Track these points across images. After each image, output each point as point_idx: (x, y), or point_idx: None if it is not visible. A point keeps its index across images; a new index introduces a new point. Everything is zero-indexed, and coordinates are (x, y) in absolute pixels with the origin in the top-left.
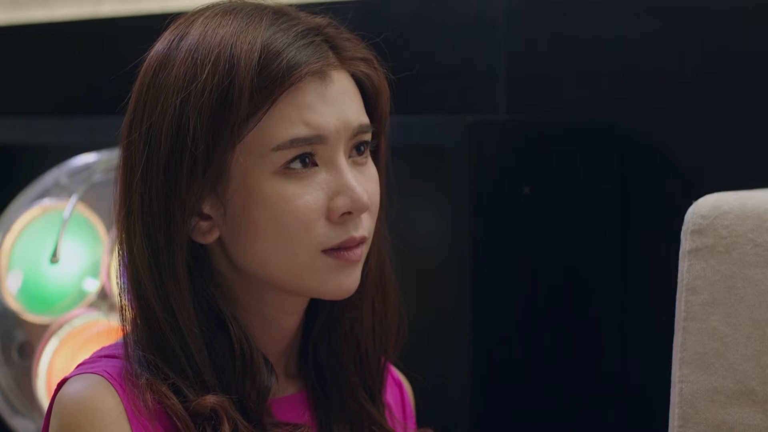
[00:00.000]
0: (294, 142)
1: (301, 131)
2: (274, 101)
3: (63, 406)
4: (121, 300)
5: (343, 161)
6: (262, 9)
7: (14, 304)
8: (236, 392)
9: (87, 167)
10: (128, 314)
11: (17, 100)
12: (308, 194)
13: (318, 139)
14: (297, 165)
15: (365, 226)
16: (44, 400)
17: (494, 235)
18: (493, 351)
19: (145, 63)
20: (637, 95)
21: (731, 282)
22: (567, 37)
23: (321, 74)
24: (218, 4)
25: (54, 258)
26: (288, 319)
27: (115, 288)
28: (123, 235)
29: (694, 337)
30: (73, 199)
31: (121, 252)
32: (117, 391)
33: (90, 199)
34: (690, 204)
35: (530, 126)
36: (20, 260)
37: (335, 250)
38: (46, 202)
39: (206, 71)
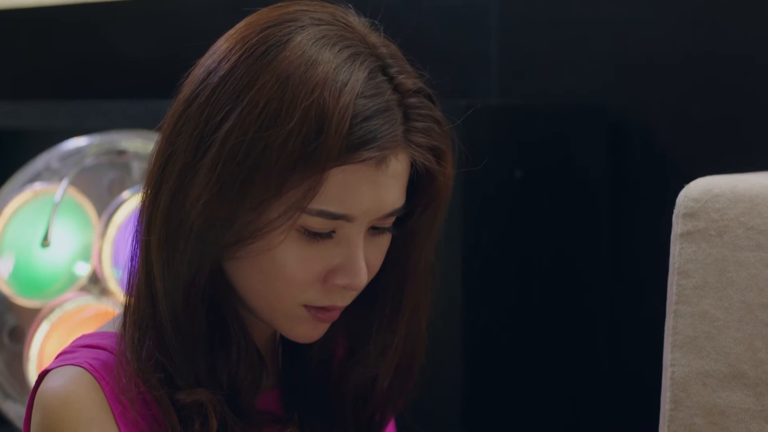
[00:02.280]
0: (321, 213)
1: (333, 207)
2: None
3: (45, 401)
4: (131, 267)
5: (360, 239)
6: (363, 50)
7: (5, 288)
8: (228, 385)
9: (78, 151)
10: (131, 294)
11: (7, 84)
12: (313, 260)
13: (346, 217)
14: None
15: (353, 295)
16: None
17: (486, 219)
18: (485, 336)
19: (220, 50)
20: (630, 79)
21: (723, 265)
22: (559, 22)
23: (380, 160)
24: (320, 17)
25: (45, 242)
26: (263, 325)
27: (107, 265)
28: (145, 205)
29: (685, 321)
30: (64, 182)
31: (140, 226)
32: (100, 384)
33: (81, 182)
34: (682, 188)
35: (522, 110)
36: (11, 244)
37: (315, 307)
38: (37, 186)
39: (294, 120)
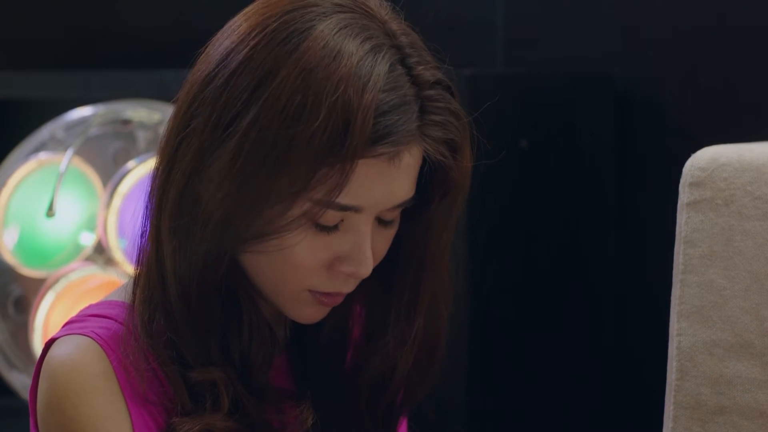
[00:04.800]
0: (330, 205)
1: (344, 200)
2: None
3: (52, 370)
4: (141, 243)
5: (368, 229)
6: (384, 41)
7: (10, 258)
8: (241, 362)
9: (83, 121)
10: (142, 266)
11: (12, 53)
12: (321, 249)
13: (356, 208)
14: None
15: (357, 282)
16: None
17: (491, 188)
18: (490, 305)
19: (239, 31)
20: (636, 47)
21: (729, 235)
22: None
23: (393, 155)
24: (341, 1)
25: (50, 212)
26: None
27: (112, 235)
28: (156, 185)
29: (692, 290)
30: (69, 152)
31: (150, 204)
32: (107, 353)
33: (86, 152)
34: (688, 156)
35: (528, 79)
36: (16, 214)
37: (319, 292)
38: (42, 156)
39: (320, 117)
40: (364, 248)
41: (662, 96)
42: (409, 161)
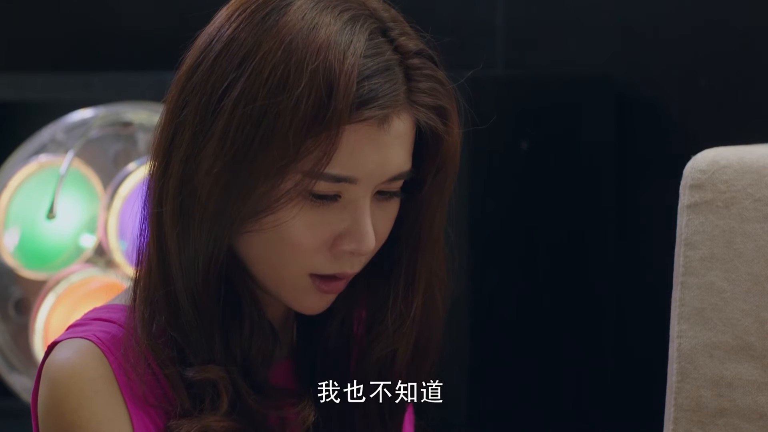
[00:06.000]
0: (324, 176)
1: (335, 169)
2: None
3: (52, 374)
4: (140, 243)
5: (366, 203)
6: (363, 12)
7: (11, 260)
8: (242, 359)
9: (83, 123)
10: (141, 268)
11: (12, 55)
12: (319, 226)
13: (350, 179)
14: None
15: (362, 261)
16: (41, 357)
17: (492, 190)
18: (490, 306)
19: (221, 18)
20: (637, 49)
21: (730, 237)
22: None
23: (381, 119)
24: None
25: (51, 214)
26: (273, 302)
27: (113, 237)
28: (154, 179)
29: (692, 293)
30: (70, 154)
31: (150, 196)
32: (107, 357)
33: (86, 154)
34: (689, 158)
35: (529, 81)
36: (17, 217)
37: (321, 276)
38: (43, 158)
39: (302, 84)
40: (363, 223)
41: (663, 98)
42: (400, 128)
